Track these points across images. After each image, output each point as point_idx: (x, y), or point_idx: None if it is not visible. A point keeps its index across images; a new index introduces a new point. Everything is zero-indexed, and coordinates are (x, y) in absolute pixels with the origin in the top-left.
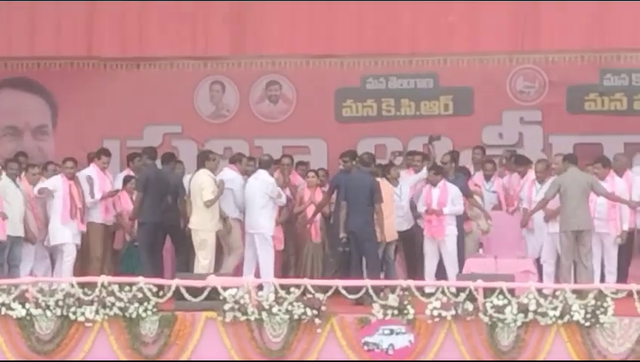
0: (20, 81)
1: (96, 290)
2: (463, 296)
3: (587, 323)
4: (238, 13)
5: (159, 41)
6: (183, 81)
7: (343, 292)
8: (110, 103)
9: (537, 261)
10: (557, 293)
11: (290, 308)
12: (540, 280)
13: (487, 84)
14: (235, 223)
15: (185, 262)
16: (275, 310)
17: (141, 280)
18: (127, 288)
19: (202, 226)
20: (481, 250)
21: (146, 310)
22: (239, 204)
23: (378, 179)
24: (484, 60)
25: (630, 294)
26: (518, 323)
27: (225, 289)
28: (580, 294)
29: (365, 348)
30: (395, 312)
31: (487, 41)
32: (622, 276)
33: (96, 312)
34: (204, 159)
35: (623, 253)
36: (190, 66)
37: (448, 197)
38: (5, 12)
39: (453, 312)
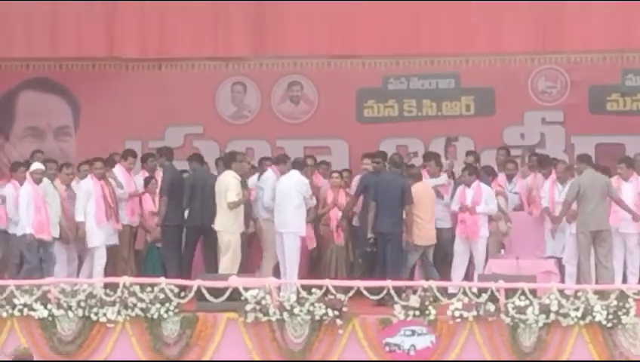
0: (41, 82)
1: (118, 291)
2: (484, 296)
3: (609, 324)
4: (258, 14)
5: (180, 42)
6: (204, 81)
7: (365, 293)
8: (132, 104)
9: (559, 261)
10: (579, 294)
11: (311, 308)
12: (562, 280)
13: (509, 85)
14: (265, 224)
15: (214, 263)
16: (296, 311)
17: (163, 281)
18: (148, 289)
19: (226, 228)
20: (502, 251)
21: (167, 311)
22: (267, 204)
23: (418, 183)
24: (505, 60)
25: None
26: (540, 324)
27: (246, 289)
28: (602, 295)
29: (387, 348)
30: (417, 313)
31: (509, 42)
32: None
33: (118, 313)
34: (230, 160)
35: None
36: (211, 67)
37: (482, 197)
38: (26, 13)
39: (474, 313)
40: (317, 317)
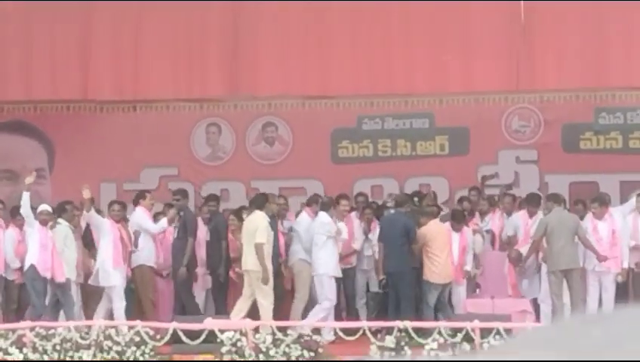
0: (16, 125)
1: (94, 334)
2: (459, 336)
3: None
4: (233, 55)
5: (155, 83)
6: (179, 123)
7: (340, 334)
8: (107, 146)
9: (534, 301)
10: None
11: (287, 350)
12: (538, 320)
13: (483, 124)
14: (300, 264)
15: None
16: (272, 352)
17: (138, 324)
18: (123, 331)
19: (257, 267)
20: (478, 291)
21: (143, 354)
22: (305, 246)
23: (433, 220)
24: (479, 100)
25: None
26: None
27: (222, 331)
28: None
29: None
30: (393, 353)
31: (482, 81)
32: None
33: (94, 356)
34: (263, 201)
35: (622, 292)
36: (186, 109)
37: (468, 241)
38: (1, 55)
39: (450, 353)
40: (293, 358)
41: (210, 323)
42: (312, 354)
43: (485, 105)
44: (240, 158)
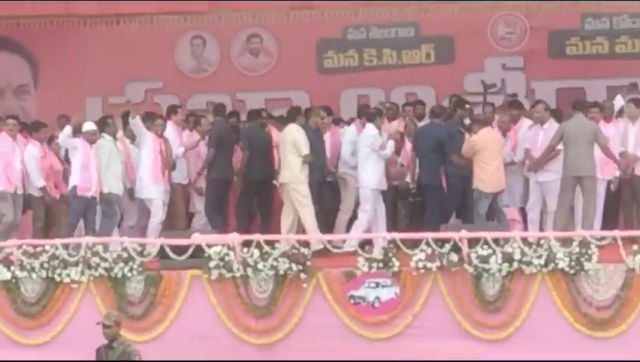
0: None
1: (81, 251)
2: (447, 247)
3: (572, 271)
4: None
5: None
6: (163, 36)
7: (328, 246)
8: (91, 61)
9: (522, 209)
10: (541, 242)
11: (275, 263)
12: (525, 228)
13: (469, 32)
14: (346, 176)
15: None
16: (260, 266)
17: (126, 240)
18: (111, 248)
19: (295, 179)
20: None
21: (131, 269)
22: (345, 159)
23: (484, 128)
24: (464, 8)
25: (615, 241)
26: (503, 273)
27: (209, 246)
28: (565, 242)
29: (351, 301)
30: (380, 265)
31: None
32: (613, 224)
33: (82, 273)
34: (295, 114)
35: (613, 200)
36: (170, 21)
37: None
38: None
39: (438, 263)
40: (281, 272)
41: (197, 238)
42: (300, 266)
43: (471, 12)
44: (225, 70)
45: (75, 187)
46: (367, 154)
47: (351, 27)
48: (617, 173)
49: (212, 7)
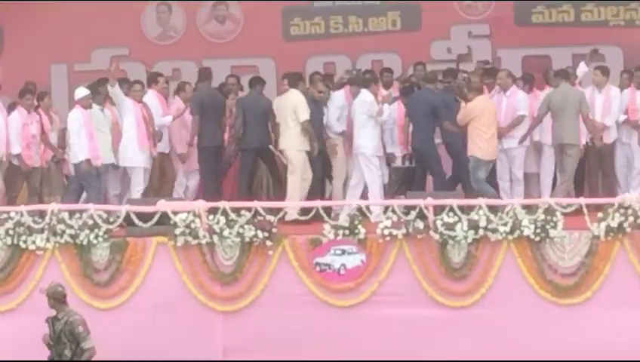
0: None
1: (47, 218)
2: (413, 214)
3: (537, 238)
4: None
5: None
6: (129, 3)
7: (295, 215)
8: (56, 27)
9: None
10: (507, 209)
11: (241, 230)
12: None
13: None
14: (333, 144)
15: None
16: (225, 233)
17: (91, 207)
18: (77, 215)
19: (293, 146)
20: None
21: (96, 236)
22: (330, 124)
23: (480, 96)
24: None
25: (580, 208)
26: (469, 240)
27: (175, 213)
28: (530, 209)
29: (317, 268)
30: (346, 232)
31: None
32: (578, 191)
33: (47, 240)
34: (297, 80)
35: (579, 168)
36: None
37: None
38: None
39: (404, 231)
40: (247, 239)
41: (162, 205)
42: (266, 233)
43: None
44: (191, 37)
45: (85, 155)
46: (364, 121)
47: None
48: (584, 142)
49: None
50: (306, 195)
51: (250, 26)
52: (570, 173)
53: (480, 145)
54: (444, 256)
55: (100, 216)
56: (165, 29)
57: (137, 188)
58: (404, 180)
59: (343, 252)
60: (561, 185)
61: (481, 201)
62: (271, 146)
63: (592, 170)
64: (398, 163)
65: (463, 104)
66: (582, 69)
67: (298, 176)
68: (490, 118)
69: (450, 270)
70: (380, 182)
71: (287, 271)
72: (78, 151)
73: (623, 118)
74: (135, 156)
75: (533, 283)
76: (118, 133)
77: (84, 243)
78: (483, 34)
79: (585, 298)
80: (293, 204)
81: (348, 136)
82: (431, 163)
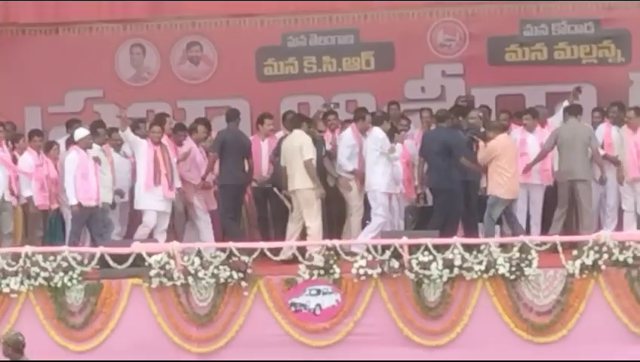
0: None
1: (21, 261)
2: (388, 253)
3: (512, 276)
4: None
5: (77, 5)
6: (102, 44)
7: (268, 253)
8: (30, 69)
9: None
10: (482, 248)
11: (216, 271)
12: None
13: (408, 38)
14: (345, 180)
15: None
16: (200, 274)
17: (65, 249)
18: (51, 258)
19: (304, 185)
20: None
21: (71, 279)
22: (340, 163)
23: (502, 135)
24: (404, 14)
25: (554, 246)
26: (444, 279)
27: (150, 255)
28: (505, 247)
29: (292, 309)
30: (322, 272)
31: None
32: (546, 227)
33: (21, 283)
34: (300, 121)
35: (552, 205)
36: (109, 30)
37: None
38: None
39: (379, 270)
40: (222, 280)
41: (137, 246)
42: (241, 274)
43: (410, 19)
44: (165, 78)
45: (77, 198)
46: (376, 158)
47: (290, 34)
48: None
49: (153, 12)
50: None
51: (224, 66)
52: (587, 206)
53: (501, 184)
54: (420, 295)
55: (74, 258)
56: (139, 71)
57: (145, 229)
58: (421, 219)
59: (319, 292)
60: (584, 221)
61: (456, 240)
62: (275, 189)
63: (562, 206)
64: (414, 202)
65: (481, 143)
66: (564, 107)
67: (315, 213)
68: (512, 157)
69: (426, 309)
70: (382, 222)
71: (263, 311)
72: (70, 195)
73: (602, 152)
74: (141, 199)
75: (509, 321)
76: (114, 175)
77: (59, 285)
78: (457, 73)
79: (560, 336)
80: (266, 244)
81: (359, 174)
82: (446, 203)
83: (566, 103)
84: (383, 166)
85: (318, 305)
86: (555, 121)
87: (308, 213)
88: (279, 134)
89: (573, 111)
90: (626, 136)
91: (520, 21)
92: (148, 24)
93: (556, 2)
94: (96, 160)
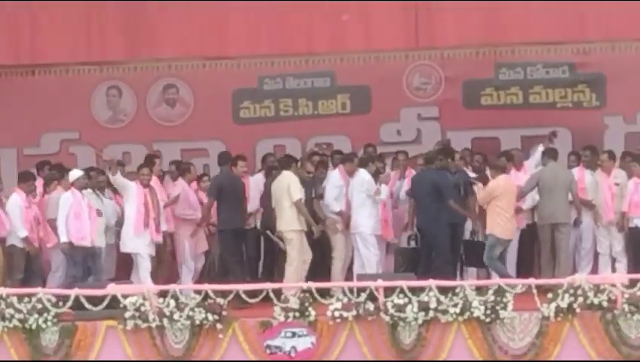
0: None
1: None
2: (363, 295)
3: (487, 319)
4: (132, 17)
5: (53, 47)
6: (78, 87)
7: (243, 296)
8: (6, 111)
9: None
10: (457, 290)
11: (191, 313)
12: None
13: (384, 82)
14: (338, 223)
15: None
16: (176, 316)
17: (40, 291)
18: (26, 299)
19: (291, 227)
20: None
21: (45, 321)
22: (327, 203)
23: (501, 176)
24: (379, 58)
25: (530, 288)
26: (419, 322)
27: (125, 296)
28: (480, 290)
29: (268, 351)
30: (297, 314)
31: (382, 39)
32: (527, 271)
33: None
34: (289, 162)
35: (528, 248)
36: (86, 72)
37: None
38: None
39: (354, 313)
40: (197, 322)
41: (112, 288)
42: (216, 316)
43: (386, 62)
44: (141, 121)
45: (68, 237)
46: (363, 200)
47: (267, 77)
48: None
49: (129, 54)
50: (304, 276)
51: (200, 108)
52: (565, 249)
53: (500, 224)
54: (395, 337)
55: (49, 300)
56: (115, 113)
57: (138, 274)
58: (410, 261)
59: (294, 334)
60: (561, 263)
61: (432, 282)
62: (268, 232)
63: (542, 250)
64: (404, 244)
65: (479, 185)
66: (540, 150)
67: (297, 256)
68: (511, 198)
69: (401, 351)
70: (377, 261)
71: (238, 354)
72: (62, 232)
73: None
74: (129, 242)
75: None
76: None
77: (34, 327)
78: (432, 116)
79: None
80: (241, 286)
81: (344, 216)
82: (436, 243)
83: (541, 147)
84: (369, 208)
85: (294, 347)
86: (531, 163)
87: (288, 253)
88: (258, 176)
89: (553, 154)
90: (600, 180)
91: (495, 65)
92: (124, 66)
93: (531, 46)
94: (99, 213)
